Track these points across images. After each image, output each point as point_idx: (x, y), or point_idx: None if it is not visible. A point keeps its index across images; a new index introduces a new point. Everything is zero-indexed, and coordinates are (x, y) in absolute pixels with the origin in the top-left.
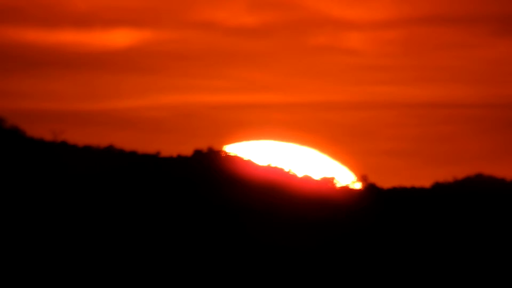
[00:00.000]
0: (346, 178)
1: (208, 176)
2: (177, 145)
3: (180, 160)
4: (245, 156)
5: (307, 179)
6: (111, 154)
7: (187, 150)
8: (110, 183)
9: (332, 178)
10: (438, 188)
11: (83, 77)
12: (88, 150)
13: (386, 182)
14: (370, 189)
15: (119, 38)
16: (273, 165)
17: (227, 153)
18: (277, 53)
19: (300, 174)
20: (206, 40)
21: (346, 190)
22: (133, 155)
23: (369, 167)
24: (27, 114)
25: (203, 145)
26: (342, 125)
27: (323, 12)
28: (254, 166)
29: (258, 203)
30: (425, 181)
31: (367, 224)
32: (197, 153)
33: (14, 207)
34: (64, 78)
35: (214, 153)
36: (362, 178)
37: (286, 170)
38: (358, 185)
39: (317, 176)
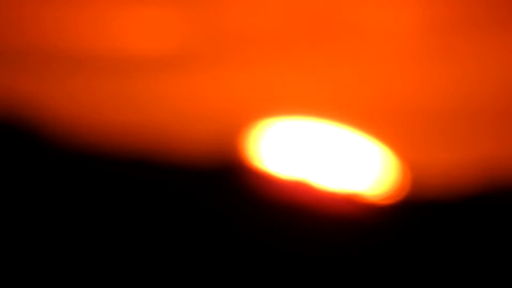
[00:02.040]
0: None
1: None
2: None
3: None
4: (264, 168)
5: (330, 194)
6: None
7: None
8: (134, 187)
9: (360, 193)
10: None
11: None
12: (116, 155)
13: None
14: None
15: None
16: (295, 177)
17: (245, 165)
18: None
19: (324, 185)
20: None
21: (377, 204)
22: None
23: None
24: (59, 118)
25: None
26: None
27: None
28: (273, 180)
29: (275, 218)
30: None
31: (404, 239)
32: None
33: (39, 208)
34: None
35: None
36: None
37: (309, 182)
38: (392, 197)
39: (344, 179)
